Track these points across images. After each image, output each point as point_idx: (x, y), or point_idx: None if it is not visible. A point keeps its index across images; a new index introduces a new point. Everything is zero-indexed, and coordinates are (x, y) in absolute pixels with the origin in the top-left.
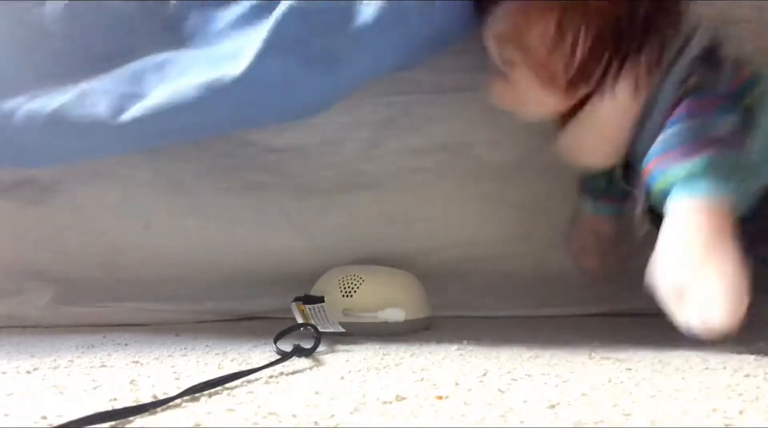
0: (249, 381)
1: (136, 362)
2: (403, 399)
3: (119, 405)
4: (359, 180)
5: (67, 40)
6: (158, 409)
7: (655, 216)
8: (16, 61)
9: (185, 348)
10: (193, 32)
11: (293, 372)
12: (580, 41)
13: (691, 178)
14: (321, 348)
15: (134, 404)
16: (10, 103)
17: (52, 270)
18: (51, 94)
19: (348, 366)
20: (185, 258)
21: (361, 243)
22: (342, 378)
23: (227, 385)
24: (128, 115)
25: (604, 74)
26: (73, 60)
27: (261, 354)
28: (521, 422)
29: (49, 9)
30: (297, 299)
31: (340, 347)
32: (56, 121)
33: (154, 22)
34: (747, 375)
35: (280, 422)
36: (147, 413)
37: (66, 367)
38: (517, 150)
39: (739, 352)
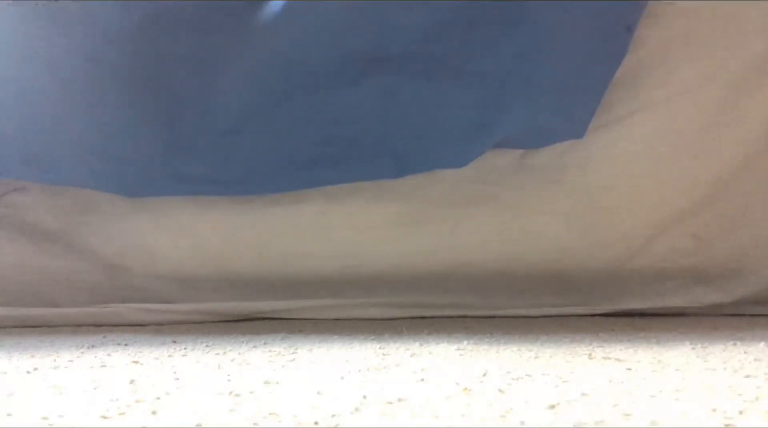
0: (249, 381)
1: (136, 362)
2: (403, 399)
3: (119, 405)
4: (359, 184)
5: None
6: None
7: None
8: None
9: (185, 348)
10: None
11: (293, 372)
12: None
13: None
14: (320, 347)
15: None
16: None
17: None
18: None
19: (348, 366)
20: (187, 259)
21: (360, 245)
22: (342, 378)
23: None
24: None
25: None
26: None
27: (261, 354)
28: (521, 422)
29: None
30: None
31: (340, 347)
32: None
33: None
34: (747, 376)
35: (280, 422)
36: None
37: (66, 367)
38: (515, 153)
39: (739, 352)
